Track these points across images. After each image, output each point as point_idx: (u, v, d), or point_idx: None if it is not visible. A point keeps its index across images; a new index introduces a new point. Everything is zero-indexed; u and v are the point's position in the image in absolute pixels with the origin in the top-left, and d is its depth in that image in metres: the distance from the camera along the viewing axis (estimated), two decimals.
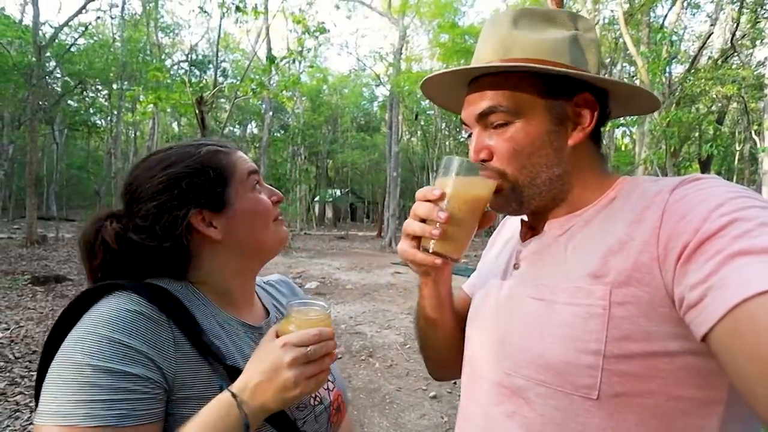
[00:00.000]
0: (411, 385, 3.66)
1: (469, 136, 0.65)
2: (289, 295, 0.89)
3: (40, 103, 12.65)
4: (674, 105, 8.05)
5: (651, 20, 10.67)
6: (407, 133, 25.15)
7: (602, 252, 0.53)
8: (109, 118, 18.24)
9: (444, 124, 18.69)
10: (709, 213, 0.45)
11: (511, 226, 0.78)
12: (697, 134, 13.05)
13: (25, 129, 12.81)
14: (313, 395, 0.70)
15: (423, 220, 0.60)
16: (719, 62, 9.59)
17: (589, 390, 0.50)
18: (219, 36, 6.66)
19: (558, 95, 0.59)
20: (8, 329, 4.38)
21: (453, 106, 0.72)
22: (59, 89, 16.42)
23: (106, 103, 17.45)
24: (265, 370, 0.57)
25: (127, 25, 16.61)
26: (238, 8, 4.73)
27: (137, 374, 0.53)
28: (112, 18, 16.97)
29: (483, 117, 0.61)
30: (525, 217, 0.69)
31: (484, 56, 0.63)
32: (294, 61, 5.20)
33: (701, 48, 9.63)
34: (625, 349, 0.48)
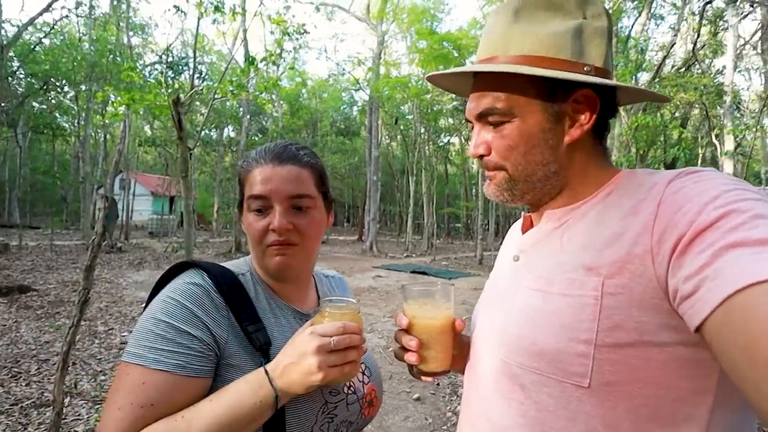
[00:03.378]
0: (394, 388, 3.64)
1: (472, 128, 0.66)
2: (336, 291, 0.95)
3: (2, 104, 12.01)
4: (641, 111, 8.39)
5: (617, 30, 11.12)
6: (387, 137, 25.23)
7: (597, 244, 0.54)
8: (76, 120, 17.51)
9: (423, 129, 18.86)
10: (704, 205, 0.46)
11: (519, 220, 0.79)
12: (662, 139, 13.62)
13: None
14: (348, 384, 0.76)
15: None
16: (682, 71, 10.08)
17: (581, 378, 0.51)
18: (197, 36, 6.50)
19: (554, 95, 0.59)
20: None
21: (461, 90, 0.74)
22: (22, 90, 15.66)
23: (73, 105, 16.74)
24: (294, 353, 0.63)
25: (96, 24, 16.01)
26: (216, 8, 4.63)
27: (195, 335, 0.64)
28: (78, 17, 16.34)
29: (481, 117, 0.63)
30: (529, 211, 0.70)
31: (485, 52, 0.63)
32: (273, 63, 5.12)
33: (665, 57, 10.11)
34: (616, 339, 0.49)
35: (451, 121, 21.03)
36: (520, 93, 0.59)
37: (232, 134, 25.45)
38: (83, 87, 14.90)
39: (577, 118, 0.60)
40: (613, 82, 0.60)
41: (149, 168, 33.81)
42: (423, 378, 0.69)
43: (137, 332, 0.64)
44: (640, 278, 0.48)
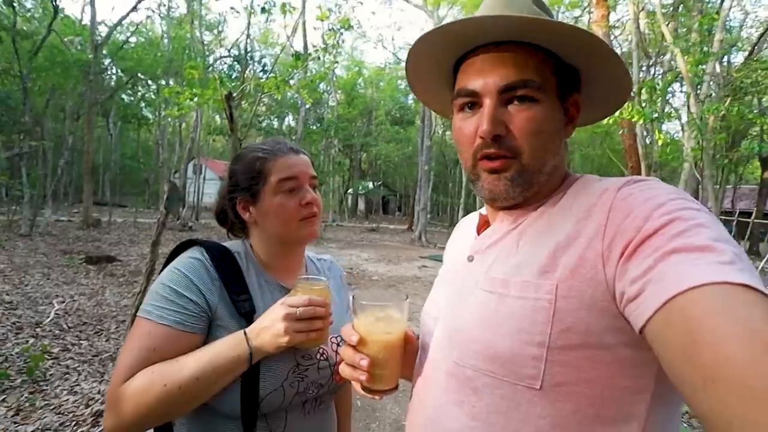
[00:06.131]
0: None
1: (462, 108, 0.61)
2: (327, 272, 1.06)
3: (96, 96, 13.65)
4: (728, 98, 7.49)
5: (705, 5, 9.90)
6: (441, 126, 24.86)
7: (551, 247, 0.54)
8: (156, 111, 19.35)
9: None
10: (651, 212, 0.47)
11: (469, 217, 0.81)
12: (758, 129, 12.04)
13: (83, 121, 13.89)
14: (320, 351, 0.87)
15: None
16: None
17: (533, 380, 0.52)
18: (248, 35, 6.92)
19: (566, 86, 0.60)
20: (63, 302, 4.87)
21: (430, 90, 0.70)
22: (113, 84, 17.60)
23: (155, 97, 18.52)
24: (267, 319, 0.76)
25: (173, 23, 17.48)
26: (263, 9, 4.92)
27: (192, 299, 0.78)
28: (160, 17, 17.94)
29: (509, 90, 0.56)
30: (483, 210, 0.71)
31: (499, 10, 0.58)
32: (319, 58, 5.33)
33: (762, 34, 8.88)
34: (567, 341, 0.50)
35: None
36: (547, 72, 0.58)
37: (292, 123, 26.62)
38: (162, 81, 16.46)
39: (571, 118, 0.62)
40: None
41: (218, 154, 36.27)
42: (370, 396, 0.65)
43: (149, 294, 0.79)
44: (591, 281, 0.50)
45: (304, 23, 12.73)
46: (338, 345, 0.91)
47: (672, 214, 0.46)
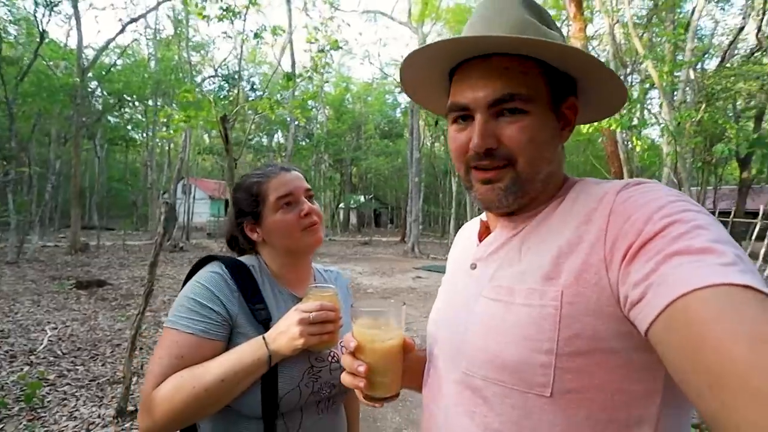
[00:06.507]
0: None
1: (456, 120, 0.62)
2: (335, 282, 1.13)
3: (83, 120, 13.61)
4: (702, 104, 7.79)
5: (677, 17, 10.32)
6: (430, 138, 25.19)
7: (554, 253, 0.54)
8: (144, 132, 19.31)
9: None
10: (651, 215, 0.47)
11: (470, 223, 0.80)
12: (732, 132, 12.49)
13: (71, 144, 13.80)
14: (331, 354, 0.94)
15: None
16: (750, 58, 9.21)
17: (543, 388, 0.51)
18: (240, 59, 7.05)
19: (559, 92, 0.60)
20: (56, 328, 4.81)
21: (431, 99, 0.71)
22: (100, 107, 17.55)
23: (143, 119, 18.51)
24: (283, 325, 0.83)
25: (160, 45, 17.61)
26: (256, 35, 5.05)
27: (214, 309, 0.84)
28: (147, 38, 18.06)
29: (498, 103, 0.57)
30: (484, 216, 0.72)
31: (488, 30, 0.59)
32: (309, 78, 5.46)
33: (732, 42, 9.29)
34: (575, 347, 0.50)
35: None
36: (536, 82, 0.58)
37: (282, 140, 26.71)
38: (150, 102, 16.49)
39: (568, 122, 0.62)
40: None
41: (207, 173, 36.09)
42: (371, 404, 0.65)
43: (175, 306, 0.86)
44: (595, 287, 0.49)
45: (291, 43, 12.95)
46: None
47: (672, 216, 0.46)
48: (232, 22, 5.53)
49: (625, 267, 0.47)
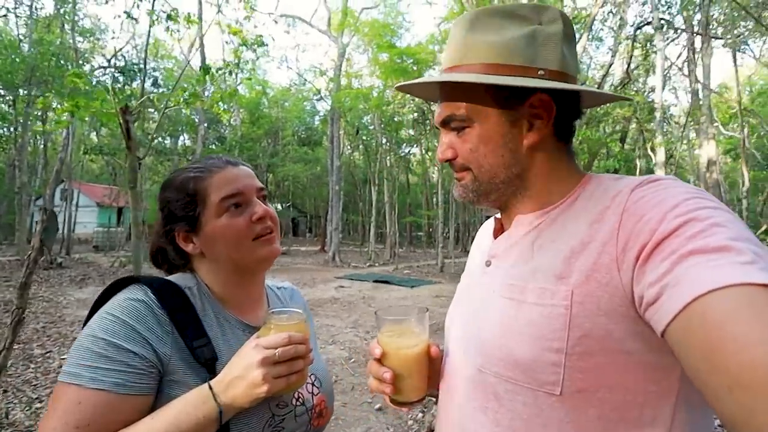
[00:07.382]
0: (356, 400, 3.65)
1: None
2: (289, 302, 0.94)
3: None
4: (584, 126, 9.04)
5: None
6: (349, 147, 25.30)
7: (566, 253, 0.54)
8: (12, 127, 16.22)
9: (385, 139, 19.13)
10: (665, 214, 0.47)
11: (489, 221, 0.79)
12: (605, 150, 14.73)
13: None
14: (296, 396, 0.76)
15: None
16: (619, 88, 11.04)
17: (553, 386, 0.52)
18: (147, 43, 6.29)
19: (508, 100, 0.60)
20: None
21: (432, 96, 0.74)
22: None
23: (11, 110, 15.52)
24: (239, 367, 0.65)
25: (38, 25, 15.02)
26: (169, 16, 4.52)
27: (137, 353, 0.63)
28: (17, 17, 15.27)
29: (445, 123, 0.65)
30: (499, 214, 0.71)
31: (448, 61, 0.64)
32: (230, 73, 5.05)
33: (605, 75, 11.05)
34: (585, 347, 0.50)
35: (411, 132, 21.47)
36: (478, 99, 0.61)
37: (188, 143, 24.57)
38: (22, 91, 13.88)
39: (534, 122, 0.61)
40: (565, 85, 0.59)
41: (95, 177, 31.78)
42: (399, 408, 0.68)
43: (74, 351, 0.63)
44: (607, 287, 0.49)
45: (201, 39, 12.02)
46: (313, 384, 0.82)
47: (687, 215, 0.45)
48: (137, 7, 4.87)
49: (639, 267, 0.46)
